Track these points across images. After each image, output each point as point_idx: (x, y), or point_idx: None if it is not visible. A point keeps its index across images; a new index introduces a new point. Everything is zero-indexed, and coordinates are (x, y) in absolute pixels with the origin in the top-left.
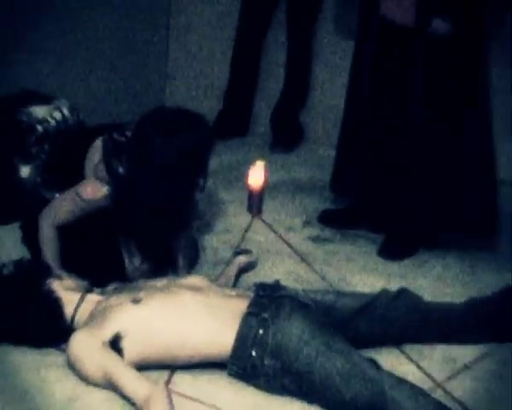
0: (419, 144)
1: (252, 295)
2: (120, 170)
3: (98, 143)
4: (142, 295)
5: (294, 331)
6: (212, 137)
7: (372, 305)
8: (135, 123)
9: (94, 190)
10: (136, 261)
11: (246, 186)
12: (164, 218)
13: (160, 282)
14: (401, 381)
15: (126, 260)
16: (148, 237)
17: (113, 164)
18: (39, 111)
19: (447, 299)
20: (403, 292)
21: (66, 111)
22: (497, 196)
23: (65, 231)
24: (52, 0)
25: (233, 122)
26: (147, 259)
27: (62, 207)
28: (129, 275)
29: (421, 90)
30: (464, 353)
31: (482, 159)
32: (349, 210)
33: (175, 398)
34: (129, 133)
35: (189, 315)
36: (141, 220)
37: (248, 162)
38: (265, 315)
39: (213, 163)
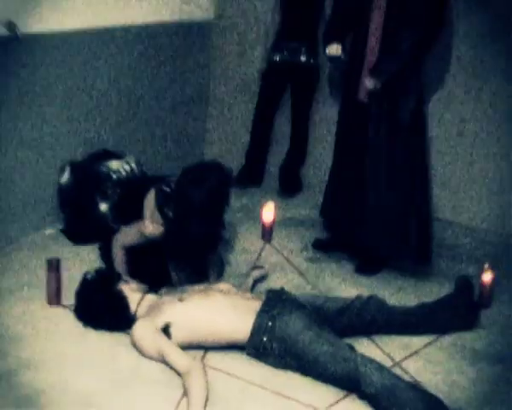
0: (379, 194)
1: (264, 297)
2: (170, 214)
3: (152, 193)
4: (185, 295)
5: (294, 324)
6: (229, 179)
7: (350, 306)
8: (176, 177)
9: (154, 229)
10: (180, 274)
11: (260, 220)
12: (201, 244)
13: (198, 287)
14: (370, 359)
15: (172, 273)
16: (189, 258)
17: (164, 211)
18: (114, 164)
19: (403, 303)
20: (372, 298)
21: (133, 164)
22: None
23: (131, 250)
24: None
25: (251, 175)
26: (187, 272)
27: (129, 235)
28: (174, 283)
29: (384, 151)
30: (416, 341)
31: (422, 204)
32: (333, 239)
33: (207, 369)
34: (172, 185)
35: (218, 311)
36: (185, 247)
37: (262, 204)
38: (274, 312)
39: (236, 204)
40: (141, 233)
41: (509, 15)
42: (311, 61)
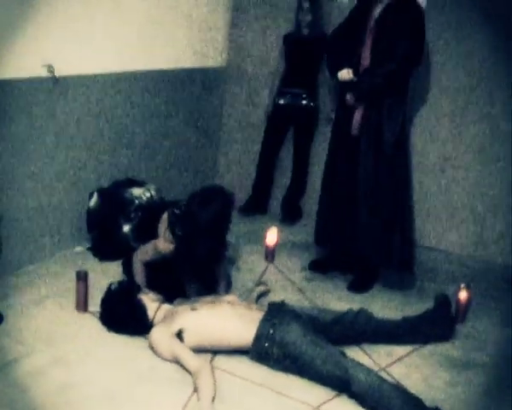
0: (369, 213)
1: (266, 309)
2: (179, 233)
3: (165, 215)
4: (197, 305)
5: (293, 332)
6: (232, 202)
7: (342, 318)
8: (186, 201)
9: (166, 246)
10: (191, 287)
11: (264, 243)
12: (206, 259)
13: (209, 298)
14: (358, 363)
15: (186, 286)
16: (196, 271)
17: (175, 230)
18: (136, 191)
19: (389, 317)
20: (362, 311)
21: (153, 192)
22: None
23: (149, 265)
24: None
25: (257, 204)
26: (197, 285)
27: (146, 252)
28: (188, 295)
29: (372, 177)
30: (399, 349)
31: (405, 220)
32: (327, 260)
33: (215, 370)
34: (182, 207)
35: (225, 319)
36: (192, 262)
37: (266, 229)
38: (274, 321)
39: (243, 229)
40: (156, 250)
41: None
42: (311, 104)
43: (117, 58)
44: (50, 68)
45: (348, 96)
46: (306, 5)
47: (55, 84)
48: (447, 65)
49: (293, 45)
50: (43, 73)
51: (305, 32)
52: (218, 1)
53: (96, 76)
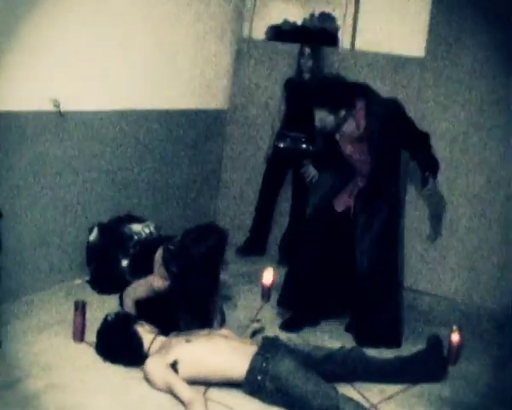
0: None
1: (260, 343)
2: (174, 269)
3: (159, 252)
4: (192, 338)
5: (285, 367)
6: (226, 239)
7: (334, 354)
8: (180, 237)
9: (160, 283)
10: (185, 321)
11: (260, 283)
12: (201, 294)
13: (204, 331)
14: (349, 398)
15: (180, 321)
16: (191, 306)
17: (169, 266)
18: (136, 227)
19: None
20: (354, 348)
21: (152, 228)
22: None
23: (142, 300)
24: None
25: (255, 245)
26: (192, 320)
27: (138, 289)
28: (182, 328)
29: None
30: (391, 388)
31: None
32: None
33: (208, 402)
34: (177, 243)
35: (220, 352)
36: (187, 297)
37: (263, 269)
38: (268, 355)
39: (241, 269)
40: (150, 287)
41: None
42: (310, 148)
43: (121, 96)
44: (56, 103)
45: (430, 183)
46: (308, 51)
47: (60, 119)
48: (441, 113)
49: (294, 90)
50: (50, 107)
51: (307, 77)
52: (223, 44)
53: (99, 113)
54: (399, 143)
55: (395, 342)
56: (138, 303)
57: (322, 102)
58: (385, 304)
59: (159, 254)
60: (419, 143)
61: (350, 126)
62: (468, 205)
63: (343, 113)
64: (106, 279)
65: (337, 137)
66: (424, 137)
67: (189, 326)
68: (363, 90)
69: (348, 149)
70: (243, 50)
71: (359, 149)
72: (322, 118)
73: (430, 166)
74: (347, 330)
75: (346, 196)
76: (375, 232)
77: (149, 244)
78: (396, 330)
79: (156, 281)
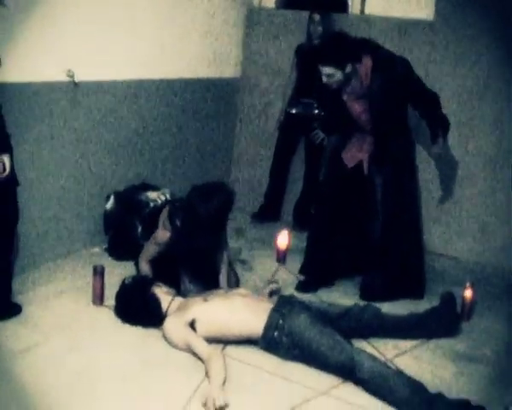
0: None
1: (276, 300)
2: (177, 223)
3: (166, 208)
4: (209, 297)
5: (301, 322)
6: (232, 198)
7: (350, 311)
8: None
9: (162, 234)
10: (189, 283)
11: (275, 245)
12: (203, 251)
13: (221, 291)
14: (364, 351)
15: (182, 283)
16: (196, 264)
17: (173, 220)
18: (152, 194)
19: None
20: (368, 305)
21: (168, 195)
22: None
23: (155, 265)
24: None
25: (269, 212)
26: (196, 281)
27: (147, 249)
28: (182, 292)
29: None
30: (405, 343)
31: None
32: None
33: (226, 359)
34: (183, 199)
35: (237, 310)
36: (191, 254)
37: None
38: (284, 311)
39: (256, 235)
40: (155, 241)
41: None
42: (322, 113)
43: (134, 66)
44: (70, 73)
45: (439, 143)
46: (317, 17)
47: (74, 89)
48: (451, 75)
49: (305, 56)
50: (63, 77)
51: (317, 43)
52: (233, 13)
53: (114, 82)
54: (407, 102)
55: (420, 293)
56: (153, 265)
57: (327, 58)
58: (410, 259)
59: (165, 210)
60: (428, 104)
61: (356, 83)
62: (478, 166)
63: (349, 68)
64: (123, 246)
65: (344, 97)
66: (434, 98)
67: (193, 289)
68: (371, 46)
69: (356, 108)
70: (254, 19)
71: (367, 108)
72: (329, 73)
73: (439, 126)
74: (364, 288)
75: (355, 149)
76: (394, 193)
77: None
78: (420, 281)
79: (160, 235)
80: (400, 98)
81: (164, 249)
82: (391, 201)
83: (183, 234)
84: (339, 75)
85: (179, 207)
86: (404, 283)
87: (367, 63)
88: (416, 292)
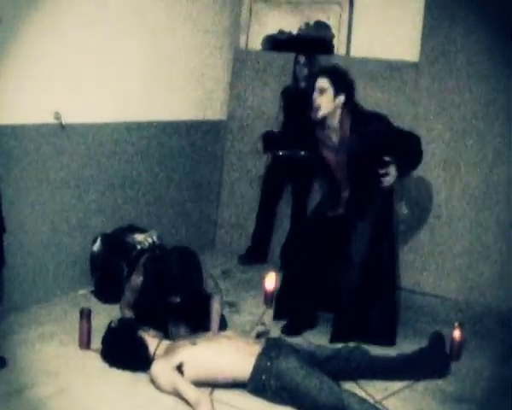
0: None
1: (263, 343)
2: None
3: (145, 255)
4: (197, 340)
5: (289, 365)
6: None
7: (338, 353)
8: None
9: (135, 280)
10: (175, 328)
11: (263, 288)
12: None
13: (209, 334)
14: (353, 393)
15: (170, 328)
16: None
17: (147, 268)
18: (139, 237)
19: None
20: (357, 347)
21: (154, 237)
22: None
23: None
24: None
25: (257, 253)
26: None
27: (126, 296)
28: (170, 336)
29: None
30: (394, 384)
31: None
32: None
33: (214, 403)
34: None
35: (224, 353)
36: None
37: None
38: (272, 354)
39: (243, 277)
40: (131, 289)
41: None
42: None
43: (120, 109)
44: (57, 115)
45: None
46: (303, 59)
47: (61, 131)
48: (437, 116)
49: (291, 98)
50: (51, 119)
51: (303, 85)
52: (219, 55)
53: (99, 125)
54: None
55: (390, 341)
56: (140, 308)
57: (326, 69)
58: (379, 302)
59: (145, 256)
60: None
61: (332, 131)
62: (465, 205)
63: (340, 99)
64: (110, 289)
65: (320, 146)
66: (412, 144)
67: (174, 330)
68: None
69: (329, 159)
70: (240, 61)
71: (340, 161)
72: (322, 87)
73: (404, 158)
74: (334, 334)
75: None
76: (367, 234)
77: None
78: (391, 328)
79: (133, 280)
80: (378, 154)
81: (137, 296)
82: (365, 251)
83: (151, 285)
84: (330, 96)
85: (156, 258)
86: (374, 328)
87: (346, 118)
88: (388, 339)
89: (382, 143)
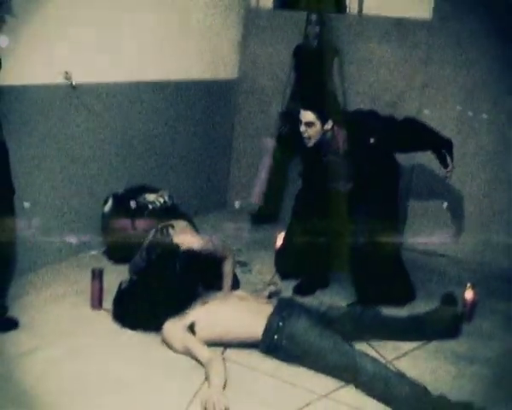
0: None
1: (275, 303)
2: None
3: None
4: (208, 300)
5: (301, 325)
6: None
7: (350, 313)
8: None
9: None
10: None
11: (274, 247)
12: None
13: (219, 294)
14: (365, 354)
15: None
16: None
17: (150, 251)
18: (150, 196)
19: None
20: (369, 307)
21: (166, 197)
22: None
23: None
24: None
25: (268, 213)
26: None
27: (136, 259)
28: None
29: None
30: (406, 345)
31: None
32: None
33: (226, 362)
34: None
35: (236, 313)
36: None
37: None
38: (283, 314)
39: (255, 236)
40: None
41: None
42: None
43: (131, 68)
44: (67, 75)
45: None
46: (314, 18)
47: (71, 91)
48: (450, 75)
49: (302, 57)
50: (61, 80)
51: (314, 43)
52: (230, 14)
53: (110, 85)
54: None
55: (411, 296)
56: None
57: (310, 102)
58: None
59: (153, 232)
60: (418, 139)
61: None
62: (480, 166)
63: (329, 124)
64: (121, 249)
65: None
66: (423, 131)
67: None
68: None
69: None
70: (251, 20)
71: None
72: (308, 121)
73: (441, 147)
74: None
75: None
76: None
77: (164, 213)
78: (407, 284)
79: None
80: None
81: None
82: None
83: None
84: (318, 127)
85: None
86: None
87: (343, 133)
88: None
89: (384, 133)
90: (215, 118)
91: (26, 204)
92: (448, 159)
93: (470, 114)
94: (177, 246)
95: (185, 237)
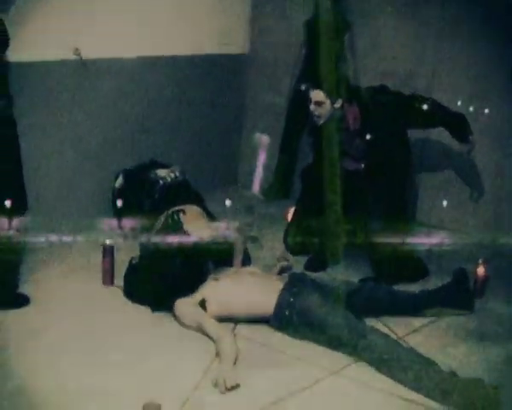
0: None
1: (287, 279)
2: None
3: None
4: (219, 276)
5: (312, 300)
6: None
7: (361, 289)
8: None
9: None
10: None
11: (286, 222)
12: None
13: (231, 270)
14: (375, 329)
15: None
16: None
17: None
18: (162, 172)
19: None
20: (380, 283)
21: (177, 173)
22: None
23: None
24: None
25: (280, 189)
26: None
27: None
28: None
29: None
30: (417, 321)
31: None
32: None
33: (237, 338)
34: None
35: (247, 288)
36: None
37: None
38: (295, 290)
39: (267, 211)
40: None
41: None
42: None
43: (142, 43)
44: (77, 51)
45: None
46: None
47: (81, 67)
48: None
49: (313, 31)
50: (70, 55)
51: (325, 17)
52: None
53: (120, 60)
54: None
55: (424, 273)
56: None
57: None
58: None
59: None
60: (432, 116)
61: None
62: (490, 140)
63: (339, 103)
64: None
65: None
66: (433, 107)
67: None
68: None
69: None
70: None
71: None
72: (318, 100)
73: (461, 125)
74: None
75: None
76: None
77: (175, 188)
78: (420, 260)
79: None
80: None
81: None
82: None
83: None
84: (328, 106)
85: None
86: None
87: (354, 110)
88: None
89: (395, 109)
90: (226, 93)
91: None
92: (465, 135)
93: (482, 88)
94: (187, 233)
95: (196, 227)
